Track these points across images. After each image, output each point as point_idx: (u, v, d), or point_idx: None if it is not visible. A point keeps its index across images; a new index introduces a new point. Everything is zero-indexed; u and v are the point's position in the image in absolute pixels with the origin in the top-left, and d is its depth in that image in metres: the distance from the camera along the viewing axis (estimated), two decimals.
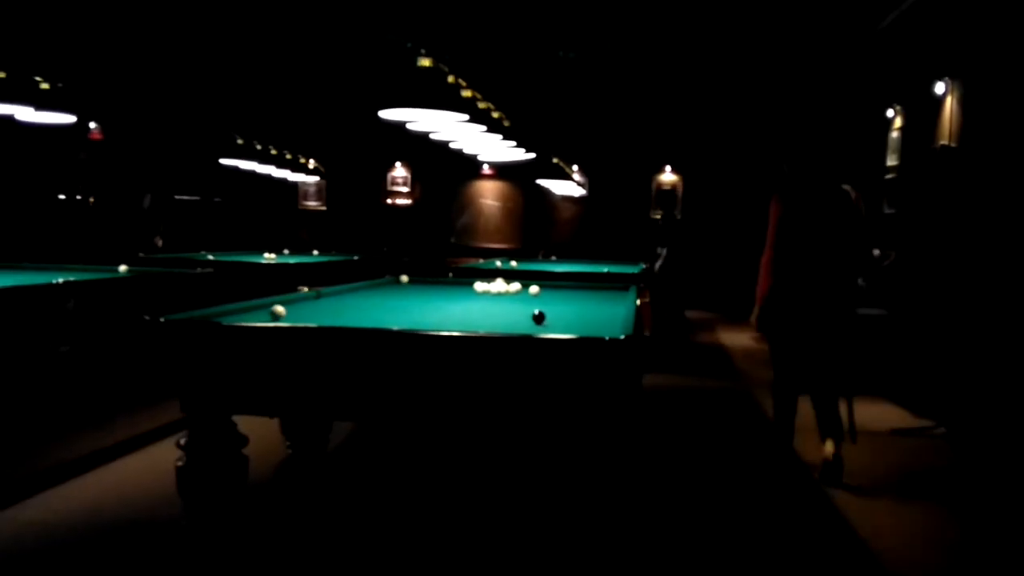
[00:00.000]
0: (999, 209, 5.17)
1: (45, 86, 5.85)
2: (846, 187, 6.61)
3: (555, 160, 10.33)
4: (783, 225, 4.80)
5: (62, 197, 9.90)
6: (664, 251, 10.64)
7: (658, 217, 13.21)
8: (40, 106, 5.93)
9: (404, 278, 5.43)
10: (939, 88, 6.11)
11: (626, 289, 5.22)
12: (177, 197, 11.80)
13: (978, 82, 5.64)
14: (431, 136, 5.90)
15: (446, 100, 4.83)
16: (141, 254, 8.60)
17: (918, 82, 6.58)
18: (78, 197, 10.05)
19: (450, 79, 5.21)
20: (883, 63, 7.72)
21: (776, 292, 4.70)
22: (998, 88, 5.33)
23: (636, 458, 4.56)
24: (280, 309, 3.63)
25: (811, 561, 3.50)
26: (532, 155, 7.88)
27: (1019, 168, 5.00)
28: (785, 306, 4.66)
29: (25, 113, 6.01)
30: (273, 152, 10.62)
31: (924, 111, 6.49)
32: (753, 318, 4.85)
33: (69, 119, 6.27)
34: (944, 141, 5.90)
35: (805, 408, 6.30)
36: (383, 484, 4.33)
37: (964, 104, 5.79)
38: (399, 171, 14.23)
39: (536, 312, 3.68)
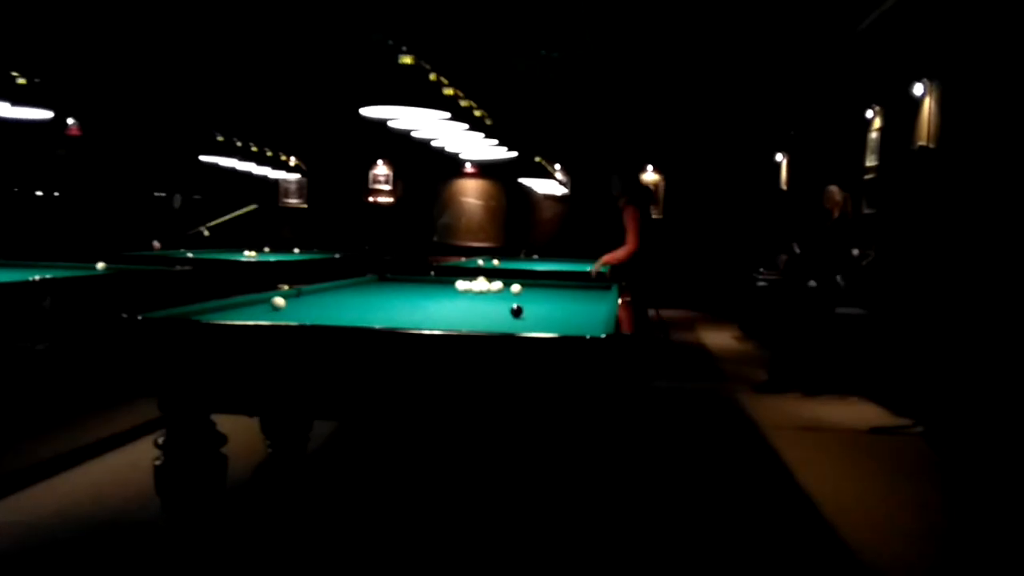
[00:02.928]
0: (976, 209, 5.22)
1: (22, 81, 5.78)
2: (832, 188, 6.69)
3: (537, 159, 10.33)
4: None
5: (39, 193, 9.77)
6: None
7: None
8: (16, 101, 5.86)
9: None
10: (917, 89, 6.15)
11: (608, 288, 5.23)
12: (155, 194, 11.72)
13: (956, 83, 5.69)
14: (413, 134, 5.88)
15: (428, 98, 4.81)
16: (189, 254, 8.50)
17: (897, 83, 6.62)
18: (55, 193, 9.92)
19: (432, 77, 5.20)
20: (862, 64, 7.77)
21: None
22: (976, 89, 5.37)
23: (620, 456, 4.57)
24: (280, 301, 3.69)
25: (789, 558, 3.51)
26: (514, 154, 7.87)
27: (995, 169, 5.04)
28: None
29: (0, 108, 5.93)
30: (254, 149, 10.55)
31: (903, 112, 6.54)
32: (595, 270, 6.86)
33: (46, 115, 6.19)
34: (923, 142, 5.94)
35: (792, 409, 6.36)
36: (364, 484, 4.31)
37: (942, 105, 5.84)
38: (381, 169, 14.18)
39: (514, 306, 3.71)
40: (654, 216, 13.16)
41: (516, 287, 4.82)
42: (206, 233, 8.86)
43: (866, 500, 4.24)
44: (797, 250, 8.34)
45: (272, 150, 11.20)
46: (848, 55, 8.05)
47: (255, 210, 12.11)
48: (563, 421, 2.87)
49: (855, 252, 7.33)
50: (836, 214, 6.84)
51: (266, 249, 10.22)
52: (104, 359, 5.59)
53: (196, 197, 11.68)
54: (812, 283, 6.94)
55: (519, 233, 13.90)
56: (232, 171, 11.20)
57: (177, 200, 9.92)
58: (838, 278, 6.89)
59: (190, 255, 8.43)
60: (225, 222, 10.81)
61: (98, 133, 10.30)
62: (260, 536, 3.53)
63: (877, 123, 7.28)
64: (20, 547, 3.31)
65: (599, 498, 3.03)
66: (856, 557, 3.45)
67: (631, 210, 6.91)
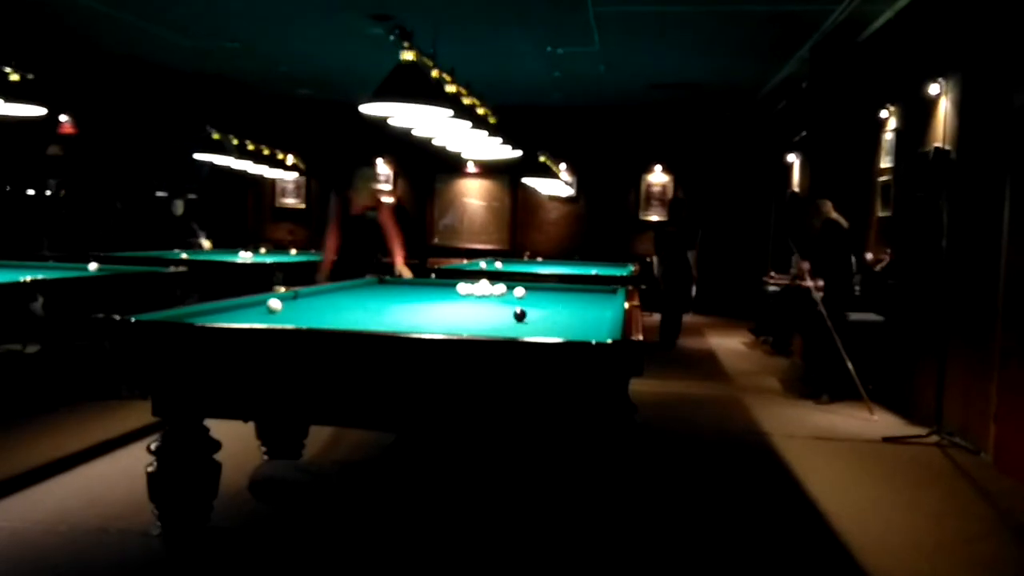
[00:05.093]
0: (993, 212, 5.12)
1: (15, 77, 5.69)
2: (821, 201, 6.68)
3: (542, 158, 10.23)
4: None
5: (31, 192, 9.68)
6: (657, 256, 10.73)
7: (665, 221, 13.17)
8: (9, 98, 5.77)
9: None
10: (933, 89, 6.05)
11: (614, 292, 5.14)
12: (158, 194, 11.67)
13: (973, 83, 5.59)
14: (414, 132, 5.79)
15: (430, 95, 4.73)
16: (183, 255, 8.41)
17: (912, 83, 6.53)
18: (47, 192, 9.83)
19: (434, 74, 5.11)
20: (876, 64, 7.68)
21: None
22: (993, 89, 5.28)
23: (622, 463, 4.48)
24: (276, 304, 3.70)
25: (797, 569, 3.45)
26: (518, 153, 7.78)
27: (1012, 170, 4.95)
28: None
29: None
30: (251, 148, 10.45)
31: (918, 112, 6.44)
32: (324, 276, 6.36)
33: (39, 112, 6.10)
34: (938, 143, 5.84)
35: (804, 417, 6.27)
36: (362, 489, 4.21)
37: (960, 106, 5.73)
38: (381, 168, 14.05)
39: (517, 310, 3.67)
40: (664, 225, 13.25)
41: (520, 290, 4.77)
42: (207, 245, 8.65)
43: (878, 511, 4.17)
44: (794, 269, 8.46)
45: (269, 148, 11.09)
46: (862, 55, 7.95)
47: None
48: (567, 428, 2.82)
49: (868, 256, 7.23)
50: (817, 226, 6.81)
51: (262, 250, 10.14)
52: (96, 362, 5.54)
53: (192, 197, 11.60)
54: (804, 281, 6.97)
55: (524, 235, 13.80)
56: (228, 170, 11.10)
57: (178, 206, 9.80)
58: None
59: (184, 256, 8.34)
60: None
61: (94, 131, 10.21)
62: (255, 542, 3.48)
63: (892, 123, 7.18)
64: (9, 553, 3.27)
65: (604, 505, 2.96)
66: (866, 569, 3.39)
67: (388, 209, 6.78)
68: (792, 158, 10.78)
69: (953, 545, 3.74)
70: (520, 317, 3.61)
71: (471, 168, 13.75)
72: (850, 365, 6.21)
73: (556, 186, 12.24)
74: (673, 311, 9.55)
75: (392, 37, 4.61)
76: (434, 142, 6.55)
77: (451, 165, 13.06)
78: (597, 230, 13.58)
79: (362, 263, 6.47)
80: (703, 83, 10.99)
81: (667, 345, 9.36)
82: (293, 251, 10.41)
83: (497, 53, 9.43)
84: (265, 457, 4.33)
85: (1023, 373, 4.72)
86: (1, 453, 4.45)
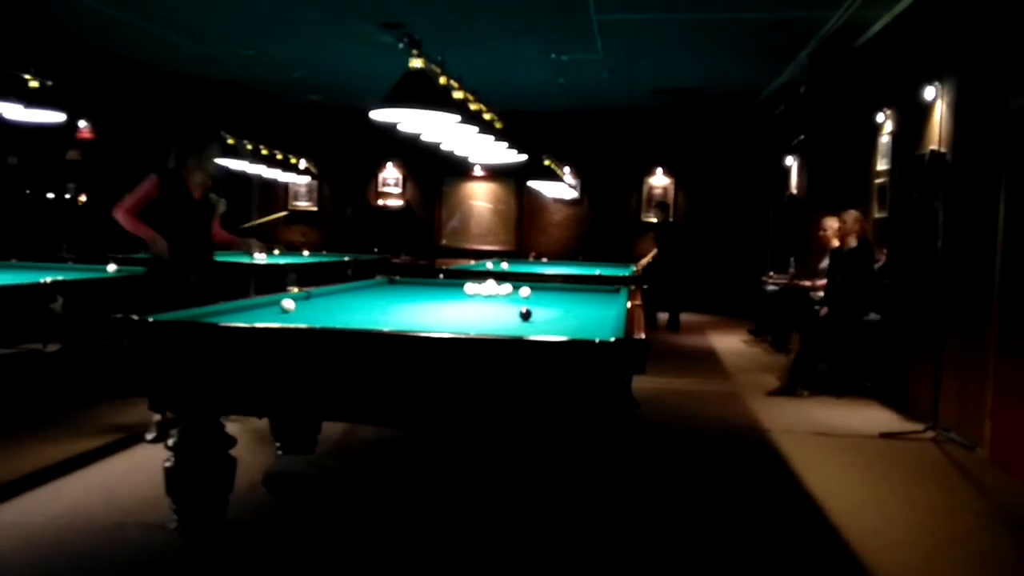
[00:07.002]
0: (988, 213, 5.19)
1: (34, 84, 5.79)
2: (856, 217, 6.77)
3: (547, 162, 10.32)
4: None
5: (51, 195, 9.81)
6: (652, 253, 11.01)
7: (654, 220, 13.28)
8: (29, 103, 5.88)
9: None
10: (929, 93, 6.12)
11: (617, 291, 5.22)
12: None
13: (968, 87, 5.66)
14: (422, 137, 5.88)
15: (438, 101, 4.81)
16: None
17: (908, 86, 6.59)
18: (66, 196, 9.96)
19: (442, 80, 5.20)
20: (873, 68, 7.74)
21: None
22: (988, 93, 5.34)
23: (625, 460, 4.56)
24: (289, 304, 3.74)
25: (795, 564, 3.48)
26: (524, 157, 7.86)
27: (1008, 172, 5.01)
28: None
29: (13, 111, 5.96)
30: (264, 152, 10.57)
31: (914, 116, 6.50)
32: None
33: (59, 117, 6.21)
34: (934, 146, 5.91)
35: (802, 413, 6.33)
36: (373, 485, 4.31)
37: (955, 109, 5.80)
38: (390, 171, 14.17)
39: (523, 310, 3.71)
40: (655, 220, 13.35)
41: (525, 290, 4.82)
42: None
43: (875, 506, 4.19)
44: (792, 269, 8.69)
45: (282, 152, 11.21)
46: (859, 60, 8.02)
47: (286, 216, 12.35)
48: (572, 424, 2.86)
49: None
50: (845, 238, 6.87)
51: (276, 251, 10.22)
52: (115, 361, 5.62)
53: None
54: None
55: (529, 236, 13.88)
56: (242, 174, 11.21)
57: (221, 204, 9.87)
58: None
59: None
60: (258, 225, 10.76)
61: (111, 136, 10.34)
62: (269, 536, 3.52)
63: (888, 127, 7.24)
64: (30, 547, 3.30)
65: (606, 500, 3.01)
66: (863, 564, 3.41)
67: (154, 180, 5.36)
68: (791, 161, 10.84)
69: (949, 540, 3.74)
70: (526, 316, 3.66)
71: (478, 172, 13.85)
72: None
73: (560, 189, 12.33)
74: (673, 301, 11.02)
75: (401, 45, 4.69)
76: (442, 147, 6.62)
77: (458, 169, 13.15)
78: (600, 231, 13.66)
79: (201, 257, 5.27)
80: (704, 88, 11.06)
81: (673, 327, 10.92)
82: (306, 252, 10.50)
83: (503, 60, 9.52)
84: (279, 453, 4.40)
85: (1018, 370, 4.77)
86: (21, 451, 4.48)
